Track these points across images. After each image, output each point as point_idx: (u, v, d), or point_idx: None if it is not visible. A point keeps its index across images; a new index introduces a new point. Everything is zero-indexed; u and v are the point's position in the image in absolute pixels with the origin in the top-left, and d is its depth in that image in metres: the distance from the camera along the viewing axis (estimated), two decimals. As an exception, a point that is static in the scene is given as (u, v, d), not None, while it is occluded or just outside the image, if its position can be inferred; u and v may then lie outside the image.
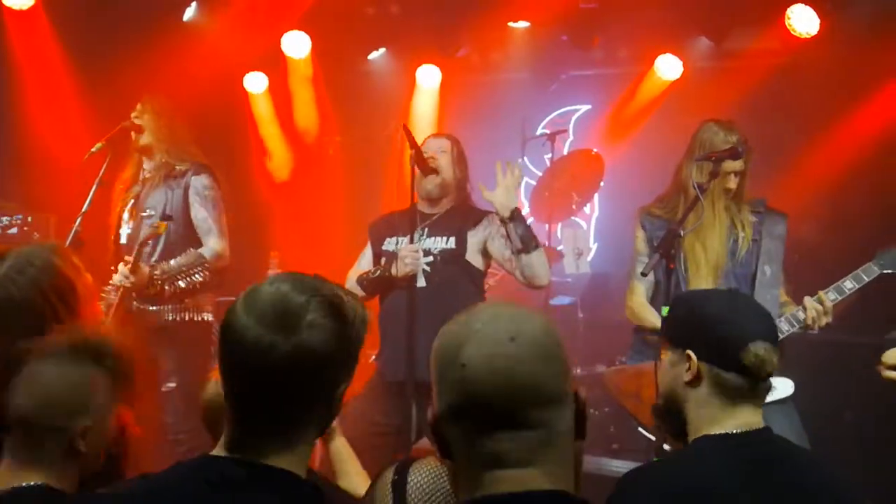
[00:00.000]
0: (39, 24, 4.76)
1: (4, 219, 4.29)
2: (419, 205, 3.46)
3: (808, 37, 4.58)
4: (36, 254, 1.98)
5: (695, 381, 1.66)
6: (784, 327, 2.83)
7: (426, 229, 3.36)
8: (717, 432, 1.63)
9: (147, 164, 3.81)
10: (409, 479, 1.72)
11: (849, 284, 2.86)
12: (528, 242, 3.14)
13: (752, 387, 1.64)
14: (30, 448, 1.55)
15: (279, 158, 5.99)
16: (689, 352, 1.66)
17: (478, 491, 1.11)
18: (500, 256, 3.28)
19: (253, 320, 1.28)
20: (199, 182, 3.70)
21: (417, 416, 3.09)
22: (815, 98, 4.72)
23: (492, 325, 1.14)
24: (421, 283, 3.25)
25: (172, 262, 3.54)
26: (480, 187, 3.24)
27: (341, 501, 1.51)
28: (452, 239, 3.33)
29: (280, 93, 5.75)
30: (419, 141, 3.43)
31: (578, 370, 5.02)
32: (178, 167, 3.72)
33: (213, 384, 1.94)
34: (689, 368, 1.66)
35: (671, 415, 1.72)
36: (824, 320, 2.81)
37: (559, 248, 5.31)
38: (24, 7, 4.63)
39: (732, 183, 2.96)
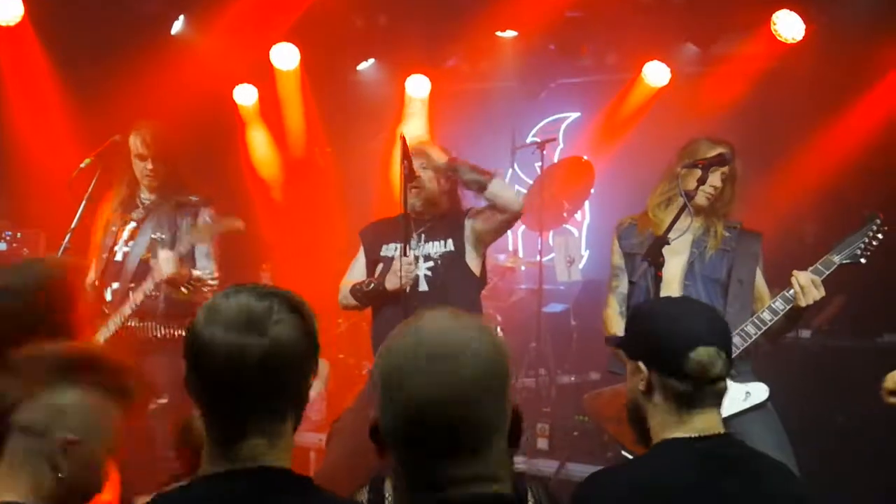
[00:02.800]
0: (27, 39, 4.75)
1: (-7, 235, 4.28)
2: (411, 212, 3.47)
3: (793, 42, 4.61)
4: (49, 263, 2.09)
5: (648, 391, 1.71)
6: (779, 305, 2.77)
7: (423, 234, 3.35)
8: (675, 436, 1.67)
9: (146, 194, 3.80)
10: (386, 495, 1.72)
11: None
12: (480, 179, 3.22)
13: (700, 392, 1.66)
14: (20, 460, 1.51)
15: (269, 170, 5.99)
16: (640, 363, 1.72)
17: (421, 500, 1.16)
18: (489, 216, 3.34)
19: (221, 329, 1.32)
20: (207, 213, 3.76)
21: None
22: (802, 102, 4.75)
23: (441, 354, 1.16)
24: (423, 287, 3.25)
25: (197, 273, 3.58)
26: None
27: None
28: (451, 241, 3.35)
29: (270, 104, 5.75)
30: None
31: (572, 377, 5.03)
32: (191, 198, 3.76)
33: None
34: (643, 379, 1.71)
35: (637, 423, 1.77)
36: (816, 294, 2.70)
37: (550, 256, 5.32)
38: (12, 23, 4.62)
39: (718, 181, 2.95)
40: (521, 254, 6.04)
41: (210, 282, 3.53)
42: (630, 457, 2.64)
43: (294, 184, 5.99)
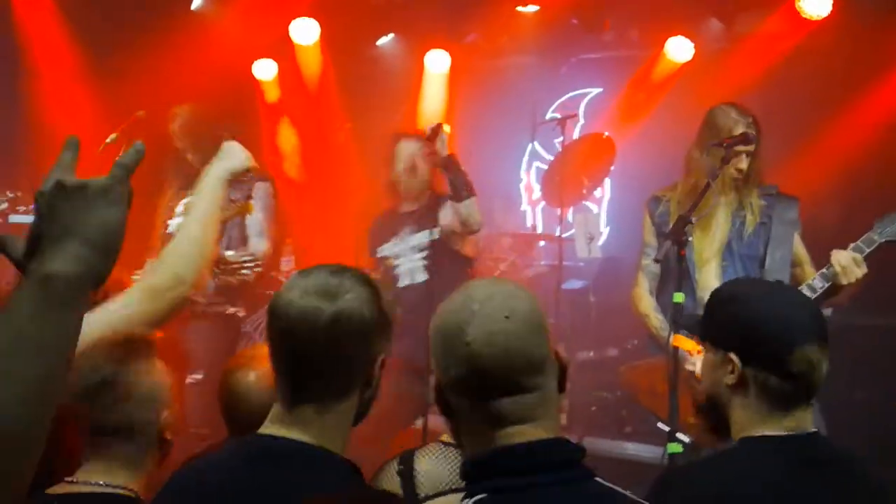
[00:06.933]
0: (49, 13, 4.77)
1: (20, 208, 4.32)
2: (402, 206, 3.69)
3: (819, 19, 4.54)
4: None
5: (738, 386, 1.56)
6: (818, 283, 2.69)
7: (409, 227, 3.56)
8: (763, 434, 1.54)
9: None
10: (415, 469, 1.74)
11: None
12: (462, 191, 3.44)
13: (802, 391, 1.54)
14: (123, 449, 1.58)
15: (289, 145, 6.00)
16: (731, 355, 1.56)
17: (488, 445, 1.24)
18: (453, 218, 3.54)
19: (298, 294, 1.41)
20: (262, 187, 3.78)
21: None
22: (827, 80, 4.68)
23: (489, 304, 1.25)
24: (422, 277, 3.47)
25: (229, 253, 3.56)
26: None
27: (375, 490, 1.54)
28: (437, 230, 3.52)
29: (289, 79, 5.75)
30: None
31: (591, 353, 5.04)
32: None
33: (250, 378, 1.91)
34: (732, 372, 1.56)
35: (714, 415, 1.64)
36: (858, 272, 2.62)
37: (570, 232, 5.31)
38: (35, -3, 4.65)
39: (743, 164, 2.92)
40: (540, 229, 6.03)
41: (245, 265, 3.48)
42: (665, 428, 2.58)
43: (313, 158, 6.00)
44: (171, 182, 3.88)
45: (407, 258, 3.50)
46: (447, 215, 3.57)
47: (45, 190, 0.95)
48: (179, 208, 3.79)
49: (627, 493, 1.27)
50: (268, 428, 1.42)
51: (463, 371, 1.23)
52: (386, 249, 3.64)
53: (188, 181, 3.84)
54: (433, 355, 1.30)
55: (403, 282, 3.51)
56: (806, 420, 1.57)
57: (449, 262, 3.50)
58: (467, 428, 1.28)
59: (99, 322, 1.72)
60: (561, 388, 1.29)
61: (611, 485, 1.26)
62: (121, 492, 1.55)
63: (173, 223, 3.77)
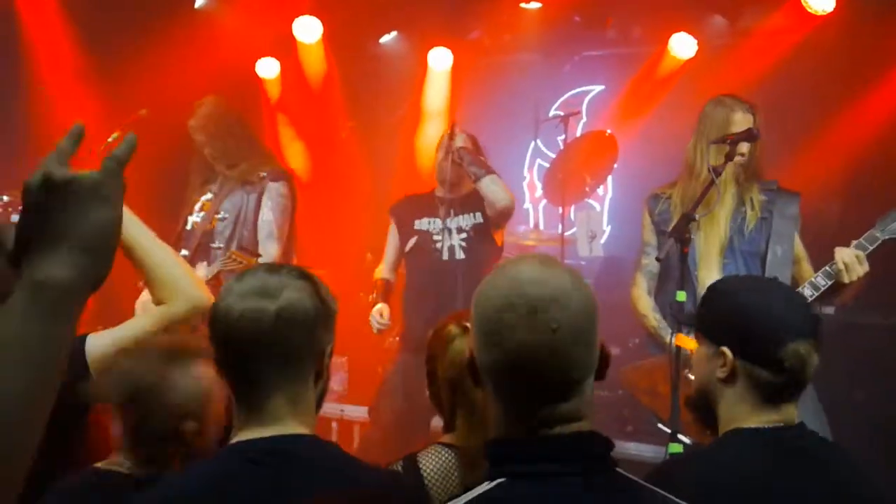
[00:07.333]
0: (52, 11, 4.78)
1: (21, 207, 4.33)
2: (437, 191, 3.76)
3: (823, 14, 4.53)
4: None
5: (729, 379, 1.59)
6: (820, 281, 2.69)
7: (452, 210, 3.66)
8: (750, 426, 1.57)
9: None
10: (422, 471, 1.74)
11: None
12: (477, 171, 3.54)
13: (792, 386, 1.56)
14: (147, 443, 1.62)
15: (291, 143, 6.01)
16: (724, 349, 1.59)
17: (517, 426, 1.22)
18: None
19: (237, 298, 1.40)
20: (274, 187, 3.74)
21: None
22: (831, 76, 4.66)
23: (538, 314, 1.18)
24: (460, 255, 3.59)
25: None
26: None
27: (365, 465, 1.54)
28: (479, 214, 3.65)
29: (292, 78, 5.75)
30: (440, 134, 3.81)
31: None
32: (260, 174, 3.74)
33: None
34: (724, 365, 1.59)
35: (703, 408, 1.67)
36: (860, 270, 2.64)
37: (572, 231, 5.30)
38: (38, -5, 4.66)
39: (745, 147, 2.89)
40: (542, 227, 6.02)
41: None
42: (666, 430, 2.58)
43: (316, 156, 6.00)
44: (193, 178, 3.87)
45: (447, 237, 3.61)
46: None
47: (33, 185, 0.87)
48: (198, 205, 3.79)
49: (649, 485, 1.26)
50: (244, 433, 1.40)
51: (501, 366, 1.21)
52: (425, 224, 3.75)
53: (208, 176, 3.84)
54: (473, 331, 1.26)
55: (444, 256, 3.62)
56: (792, 414, 1.59)
57: (487, 249, 3.63)
58: (498, 400, 1.24)
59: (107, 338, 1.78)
60: (599, 376, 1.26)
61: (633, 477, 1.25)
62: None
63: (190, 219, 3.78)
